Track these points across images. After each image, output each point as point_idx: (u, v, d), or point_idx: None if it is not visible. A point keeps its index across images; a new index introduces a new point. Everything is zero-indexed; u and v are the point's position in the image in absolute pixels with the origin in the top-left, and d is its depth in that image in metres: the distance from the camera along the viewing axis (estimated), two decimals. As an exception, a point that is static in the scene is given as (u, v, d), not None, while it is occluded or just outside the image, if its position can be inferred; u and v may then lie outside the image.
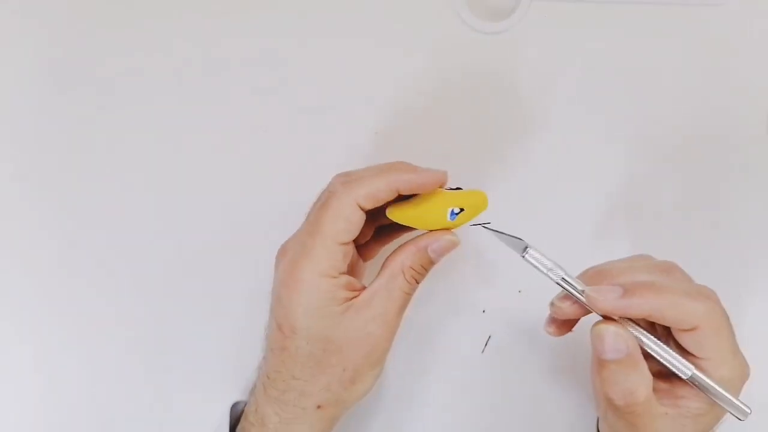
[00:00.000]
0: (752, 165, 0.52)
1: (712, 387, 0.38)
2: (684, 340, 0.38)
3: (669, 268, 0.41)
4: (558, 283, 0.39)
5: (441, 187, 0.41)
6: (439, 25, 0.53)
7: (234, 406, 0.46)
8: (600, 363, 0.38)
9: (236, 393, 0.48)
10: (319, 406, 0.41)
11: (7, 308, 0.51)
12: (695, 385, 0.38)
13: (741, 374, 0.39)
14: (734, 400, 0.38)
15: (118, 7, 0.52)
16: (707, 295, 0.39)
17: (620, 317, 0.38)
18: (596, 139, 0.52)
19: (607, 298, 0.37)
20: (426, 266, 0.41)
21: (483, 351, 0.50)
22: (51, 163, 0.52)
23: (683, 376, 0.38)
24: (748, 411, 0.38)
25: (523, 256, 0.39)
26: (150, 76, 0.52)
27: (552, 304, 0.40)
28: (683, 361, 0.38)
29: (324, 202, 0.40)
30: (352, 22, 0.53)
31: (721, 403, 0.38)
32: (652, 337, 0.38)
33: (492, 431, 0.50)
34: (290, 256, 0.41)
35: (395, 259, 0.41)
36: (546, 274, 0.39)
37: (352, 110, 0.52)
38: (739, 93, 0.52)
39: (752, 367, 0.39)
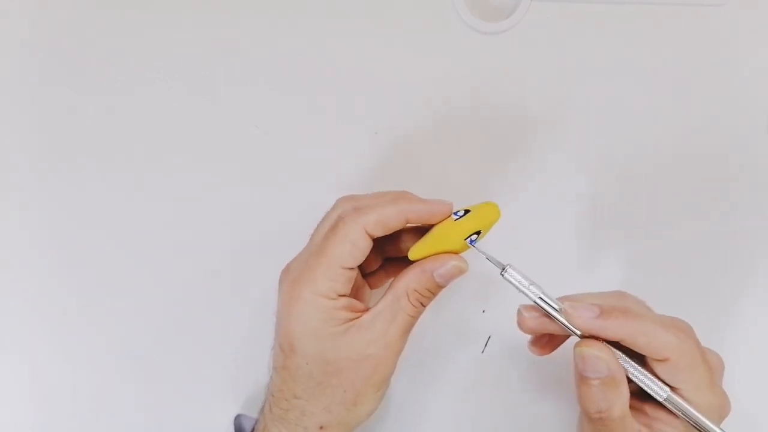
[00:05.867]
0: (752, 165, 0.52)
1: (687, 409, 0.38)
2: (657, 369, 0.38)
3: (641, 304, 0.41)
4: (535, 302, 0.39)
5: (448, 216, 0.41)
6: (439, 25, 0.53)
7: (237, 418, 0.46)
8: (580, 378, 0.38)
9: (237, 407, 0.48)
10: (321, 427, 0.41)
11: (3, 316, 0.50)
12: (671, 407, 0.38)
13: (718, 408, 0.39)
14: (709, 423, 0.37)
15: (123, 11, 0.52)
16: (681, 328, 0.38)
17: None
18: (596, 138, 0.52)
19: (583, 316, 0.38)
20: (432, 290, 0.41)
21: (483, 351, 0.50)
22: (45, 171, 0.51)
23: (658, 398, 0.38)
24: None
25: (502, 275, 0.40)
26: (150, 79, 0.52)
27: (518, 312, 0.40)
28: (659, 383, 0.38)
29: (333, 226, 0.40)
30: (351, 23, 0.53)
31: (696, 427, 0.38)
32: (627, 358, 0.38)
33: (491, 431, 0.50)
34: (292, 275, 0.41)
35: (400, 281, 0.41)
36: (524, 293, 0.39)
37: (352, 110, 0.52)
38: (739, 93, 0.52)
39: (753, 374, 0.39)
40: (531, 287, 0.39)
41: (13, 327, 0.50)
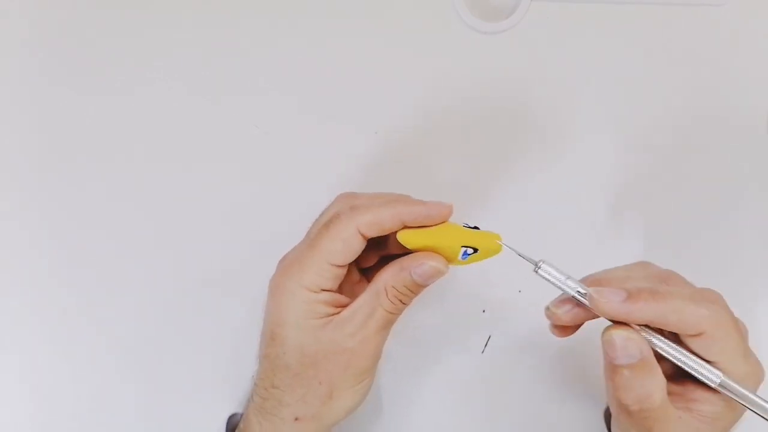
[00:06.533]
0: (752, 165, 0.52)
1: (741, 392, 0.36)
2: (692, 344, 0.37)
3: (668, 277, 0.40)
4: (573, 297, 0.38)
5: (447, 217, 0.40)
6: (439, 25, 0.53)
7: (231, 417, 0.46)
8: (612, 368, 0.37)
9: (236, 406, 0.48)
10: (296, 419, 0.41)
11: (3, 316, 0.50)
12: (724, 392, 0.36)
13: (754, 376, 0.38)
14: (762, 402, 0.36)
15: (123, 11, 0.52)
16: (712, 299, 0.37)
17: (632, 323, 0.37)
18: (596, 140, 0.52)
19: (610, 301, 0.37)
20: (411, 288, 0.40)
21: (483, 351, 0.50)
22: (45, 171, 0.51)
23: (711, 384, 0.36)
24: None
25: (536, 272, 0.39)
26: (150, 79, 0.52)
27: (547, 309, 0.40)
28: (709, 367, 0.37)
29: (327, 222, 0.40)
30: (351, 23, 0.53)
31: (754, 409, 0.36)
32: (671, 343, 0.37)
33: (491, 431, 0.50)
34: (282, 265, 0.42)
35: (380, 276, 0.40)
36: (562, 288, 0.38)
37: (352, 110, 0.52)
38: (739, 93, 0.52)
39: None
40: (568, 281, 0.38)
41: (13, 327, 0.50)
